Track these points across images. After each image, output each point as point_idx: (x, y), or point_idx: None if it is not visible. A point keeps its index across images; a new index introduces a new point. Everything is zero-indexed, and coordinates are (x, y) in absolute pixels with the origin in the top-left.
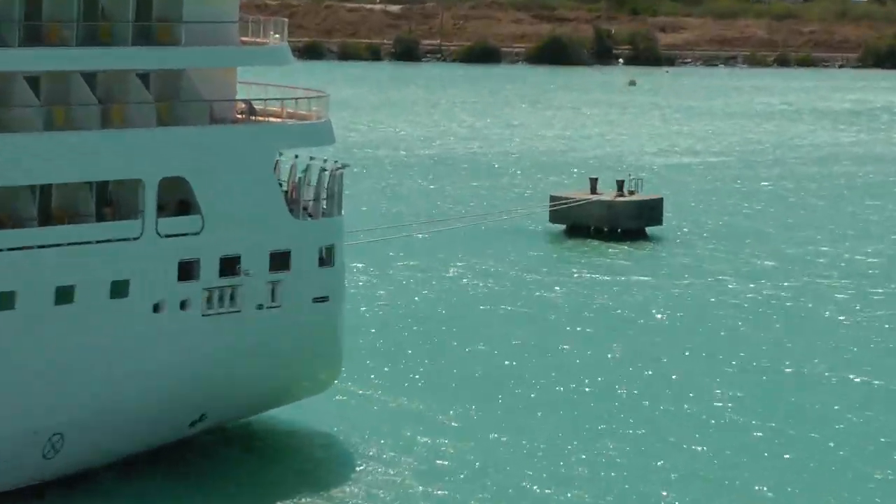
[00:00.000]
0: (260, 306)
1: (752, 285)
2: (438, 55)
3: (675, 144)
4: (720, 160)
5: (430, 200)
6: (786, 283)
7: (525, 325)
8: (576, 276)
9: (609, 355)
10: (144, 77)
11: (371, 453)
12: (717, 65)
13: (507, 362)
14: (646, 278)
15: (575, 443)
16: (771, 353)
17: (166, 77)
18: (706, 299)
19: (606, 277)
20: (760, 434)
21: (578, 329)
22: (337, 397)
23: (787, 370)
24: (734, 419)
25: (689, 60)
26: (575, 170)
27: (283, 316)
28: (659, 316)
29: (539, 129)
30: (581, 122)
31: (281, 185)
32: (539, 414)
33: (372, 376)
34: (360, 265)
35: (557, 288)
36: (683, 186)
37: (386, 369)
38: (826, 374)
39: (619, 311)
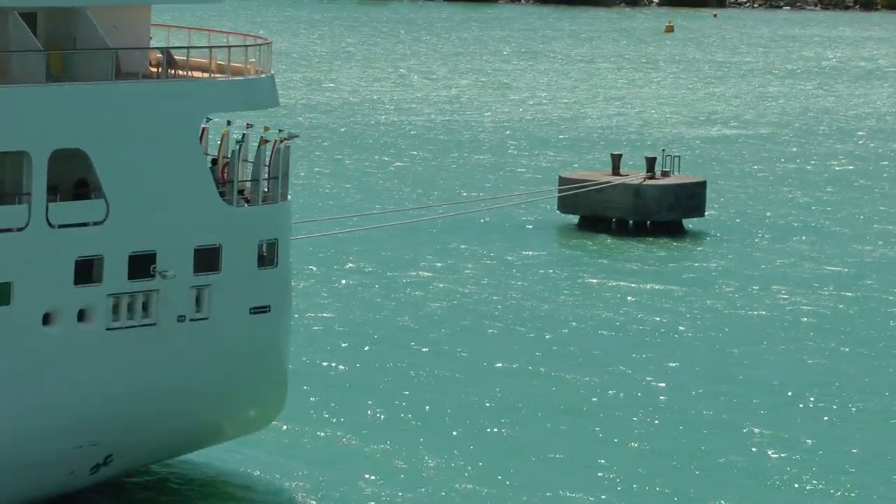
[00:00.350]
0: (181, 318)
1: (817, 297)
2: None
3: (721, 112)
4: (778, 132)
5: (399, 183)
6: (860, 294)
7: (519, 346)
8: (589, 282)
9: (628, 388)
10: (29, 17)
11: None
12: (780, 6)
13: (493, 394)
14: (681, 288)
15: (572, 496)
16: (836, 386)
17: (58, 17)
18: (759, 316)
19: (630, 285)
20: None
21: (589, 352)
22: (276, 436)
23: (856, 408)
24: (786, 476)
25: (745, 1)
26: (591, 144)
27: (212, 330)
28: (698, 337)
29: (543, 90)
30: (599, 81)
31: (216, 162)
32: (533, 459)
33: (322, 409)
34: (308, 266)
35: (564, 298)
36: (731, 167)
37: (339, 400)
38: None
39: (644, 330)
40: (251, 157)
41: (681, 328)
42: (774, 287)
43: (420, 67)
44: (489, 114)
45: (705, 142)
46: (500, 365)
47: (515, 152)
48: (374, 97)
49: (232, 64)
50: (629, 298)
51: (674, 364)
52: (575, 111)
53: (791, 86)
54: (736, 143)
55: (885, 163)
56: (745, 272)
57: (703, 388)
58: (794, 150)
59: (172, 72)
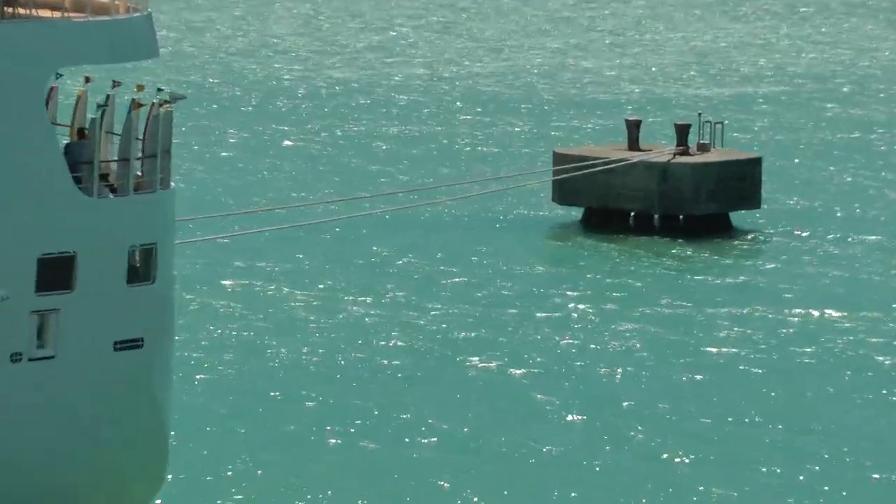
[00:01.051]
0: (16, 357)
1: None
2: None
3: (762, 63)
4: (839, 89)
5: (331, 167)
6: None
7: (496, 388)
8: (598, 305)
9: (640, 436)
10: None
11: None
12: None
13: (449, 452)
14: (727, 311)
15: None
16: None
17: None
18: (822, 347)
19: (658, 309)
20: None
21: (589, 396)
22: None
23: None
24: None
25: None
26: (591, 108)
27: (60, 374)
28: (746, 376)
29: (524, 39)
30: (598, 24)
31: (82, 134)
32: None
33: (217, 477)
34: (198, 280)
35: (560, 326)
36: (786, 137)
37: (241, 465)
38: None
39: (671, 367)
40: (120, 128)
41: (735, 366)
42: (854, 306)
43: (339, 4)
44: (457, 72)
45: (751, 103)
46: (467, 417)
47: (479, 119)
48: (273, 44)
49: (92, 0)
50: (661, 329)
51: (713, 412)
52: (571, 64)
53: (851, 28)
54: (799, 101)
55: None
56: (819, 289)
57: (717, 443)
58: (861, 112)
59: (10, 10)
